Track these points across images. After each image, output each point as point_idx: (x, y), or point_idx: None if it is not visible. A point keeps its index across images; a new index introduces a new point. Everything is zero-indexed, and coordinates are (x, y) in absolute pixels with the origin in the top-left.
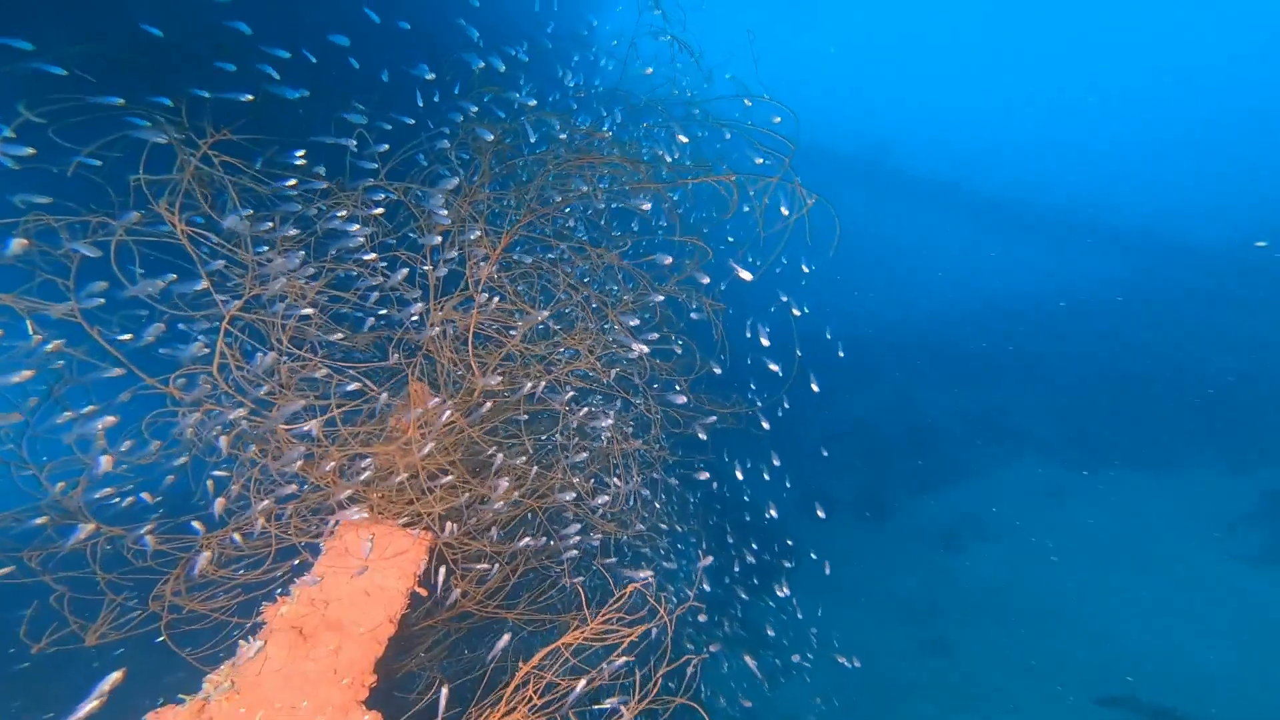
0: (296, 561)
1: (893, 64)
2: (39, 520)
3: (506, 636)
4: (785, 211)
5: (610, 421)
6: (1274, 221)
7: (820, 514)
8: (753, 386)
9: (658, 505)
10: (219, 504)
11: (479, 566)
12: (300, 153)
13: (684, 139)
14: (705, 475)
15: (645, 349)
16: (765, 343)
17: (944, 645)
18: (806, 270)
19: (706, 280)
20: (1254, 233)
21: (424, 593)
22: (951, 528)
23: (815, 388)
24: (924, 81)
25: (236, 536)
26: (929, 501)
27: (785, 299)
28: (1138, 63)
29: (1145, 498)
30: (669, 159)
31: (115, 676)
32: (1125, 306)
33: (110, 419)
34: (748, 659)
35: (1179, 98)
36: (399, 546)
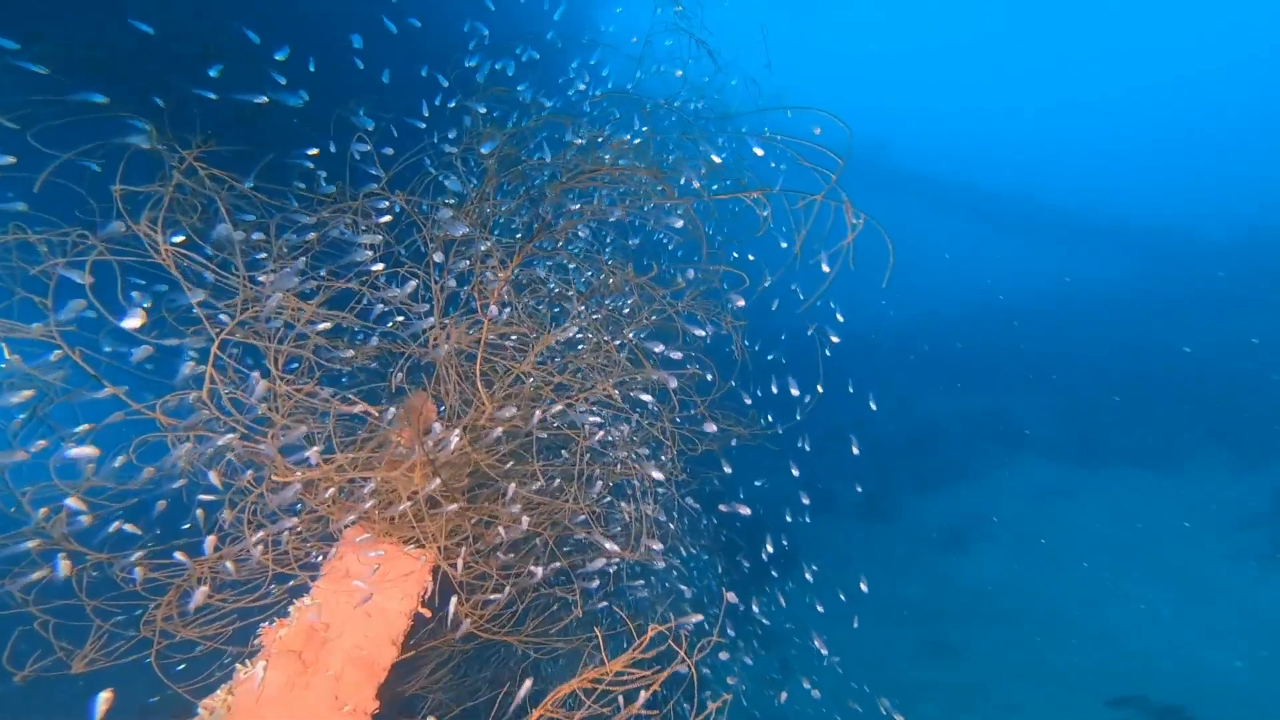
0: (291, 585)
1: (893, 61)
2: (29, 545)
3: (528, 683)
4: (826, 269)
5: (659, 474)
6: (1277, 221)
7: (863, 587)
8: (769, 418)
9: (672, 526)
10: (210, 541)
11: (491, 597)
12: (312, 151)
13: (717, 159)
14: (746, 510)
15: (674, 382)
16: (795, 392)
17: (949, 647)
18: (841, 318)
19: (741, 303)
20: (1257, 232)
21: (428, 614)
22: (955, 529)
23: (855, 449)
24: (924, 79)
25: (230, 565)
26: (932, 502)
27: (817, 328)
28: (1141, 62)
29: (1151, 496)
30: (695, 181)
31: (106, 696)
32: (1129, 305)
33: (93, 450)
34: (782, 698)
35: (1182, 97)
36: (402, 567)
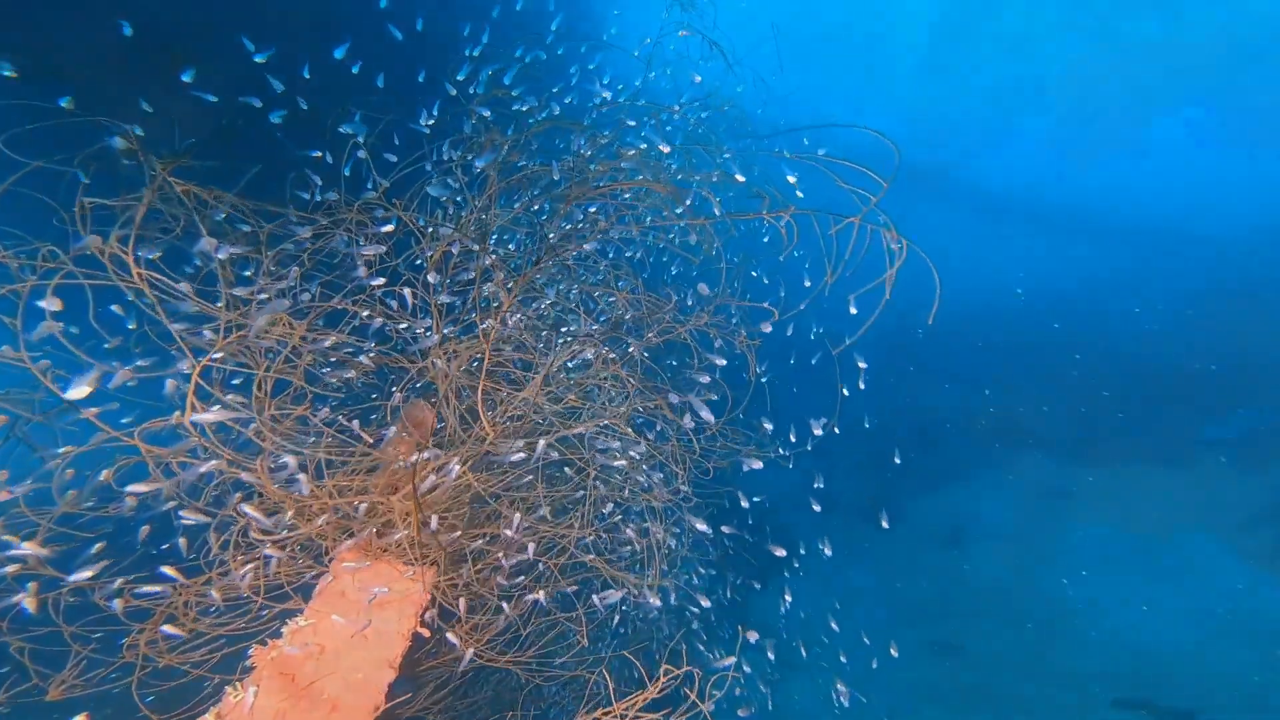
0: (279, 609)
1: (894, 56)
2: (6, 570)
3: None
4: (854, 310)
5: (703, 526)
6: None
7: (893, 652)
8: (782, 451)
9: (684, 551)
10: (180, 579)
11: (495, 624)
12: (317, 154)
13: (740, 178)
14: (781, 552)
15: (707, 413)
16: (818, 432)
17: (952, 647)
18: (863, 364)
19: (768, 328)
20: (1263, 228)
21: (427, 633)
22: (957, 528)
23: (885, 524)
24: (925, 73)
25: (215, 594)
26: (935, 502)
27: (841, 350)
28: (1144, 61)
29: (1157, 496)
30: (716, 205)
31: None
32: (1133, 302)
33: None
34: None
35: (1186, 97)
36: (399, 588)
